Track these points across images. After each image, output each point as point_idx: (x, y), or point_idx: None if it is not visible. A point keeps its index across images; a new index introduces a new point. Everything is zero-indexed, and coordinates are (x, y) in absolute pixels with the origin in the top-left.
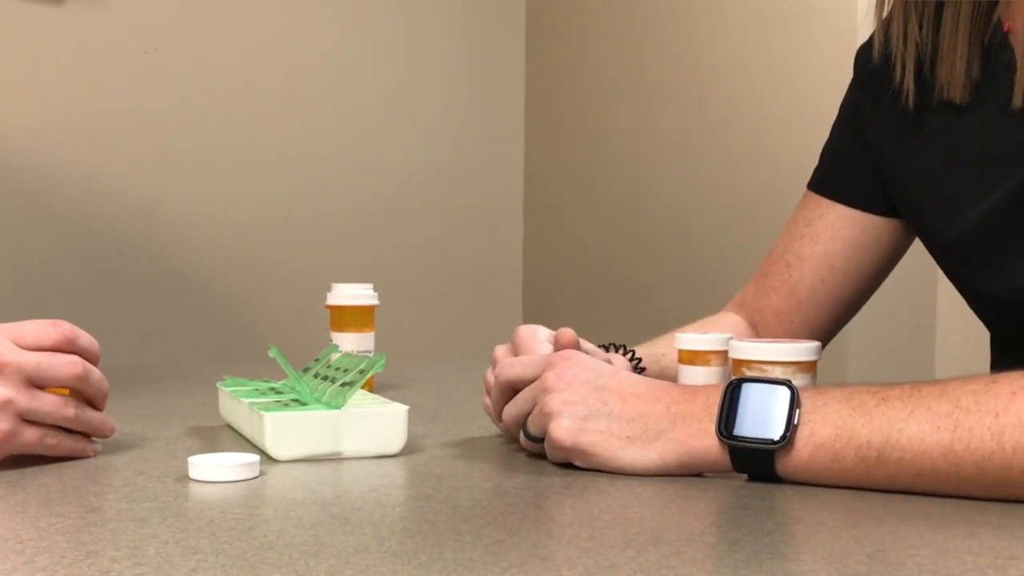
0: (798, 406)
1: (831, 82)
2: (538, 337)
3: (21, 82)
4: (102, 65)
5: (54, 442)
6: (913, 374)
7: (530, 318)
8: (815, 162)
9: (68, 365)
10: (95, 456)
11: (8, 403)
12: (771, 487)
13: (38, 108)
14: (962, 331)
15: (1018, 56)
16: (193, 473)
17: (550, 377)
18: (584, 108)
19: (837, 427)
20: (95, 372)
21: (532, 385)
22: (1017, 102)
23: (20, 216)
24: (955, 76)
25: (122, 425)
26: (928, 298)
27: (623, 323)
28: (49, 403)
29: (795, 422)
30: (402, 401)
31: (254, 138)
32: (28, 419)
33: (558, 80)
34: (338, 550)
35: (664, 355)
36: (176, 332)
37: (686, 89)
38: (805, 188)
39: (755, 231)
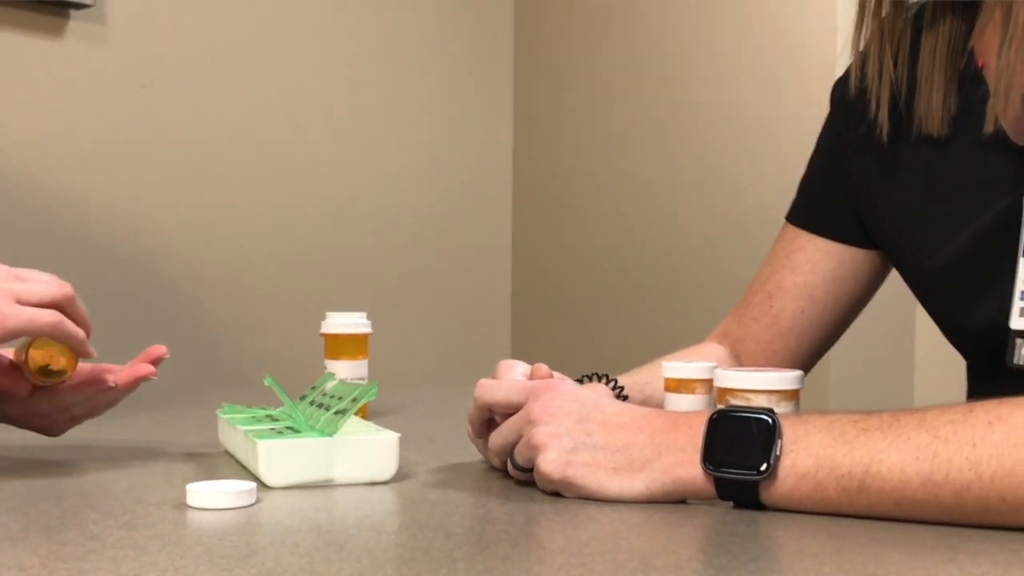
0: (780, 436)
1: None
2: (517, 370)
3: (21, 112)
4: (100, 97)
5: (54, 319)
6: (893, 399)
7: (519, 337)
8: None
9: (57, 283)
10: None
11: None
12: (756, 513)
13: (37, 137)
14: (940, 357)
15: (991, 86)
16: (191, 500)
17: (535, 409)
18: (573, 122)
19: (819, 457)
20: (80, 304)
21: (517, 415)
22: (988, 127)
23: (19, 242)
24: (932, 110)
25: (120, 451)
26: (907, 325)
27: (611, 343)
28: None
29: (777, 453)
30: (393, 426)
31: (244, 163)
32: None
33: (546, 95)
34: None
35: (647, 383)
36: (173, 358)
37: (676, 99)
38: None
39: (744, 235)
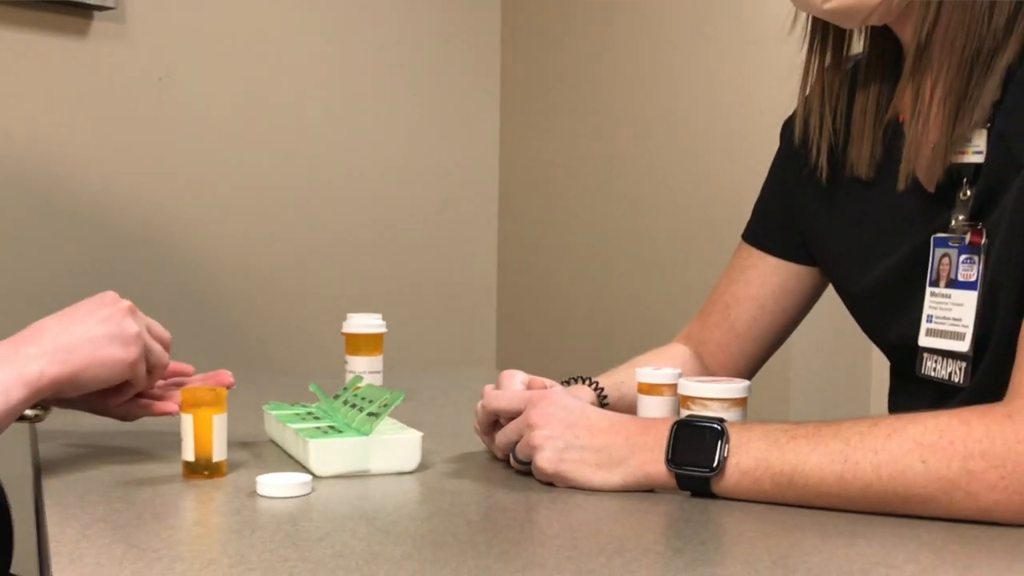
0: (727, 442)
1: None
2: (516, 379)
3: (49, 107)
4: (121, 90)
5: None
6: (849, 395)
7: (503, 332)
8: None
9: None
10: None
11: (140, 336)
12: (708, 502)
13: (63, 130)
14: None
15: (905, 144)
16: (261, 490)
17: (533, 415)
18: (560, 125)
19: (757, 459)
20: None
21: (519, 419)
22: (900, 185)
23: (45, 235)
24: (862, 157)
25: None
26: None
27: (590, 339)
28: (159, 349)
29: (725, 455)
30: (407, 416)
31: (255, 154)
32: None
33: (533, 98)
34: (391, 558)
35: (623, 383)
36: (202, 348)
37: (664, 104)
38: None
39: (718, 238)
